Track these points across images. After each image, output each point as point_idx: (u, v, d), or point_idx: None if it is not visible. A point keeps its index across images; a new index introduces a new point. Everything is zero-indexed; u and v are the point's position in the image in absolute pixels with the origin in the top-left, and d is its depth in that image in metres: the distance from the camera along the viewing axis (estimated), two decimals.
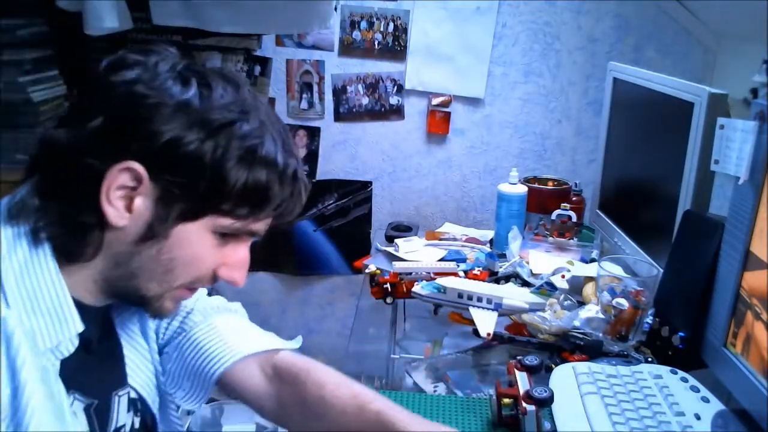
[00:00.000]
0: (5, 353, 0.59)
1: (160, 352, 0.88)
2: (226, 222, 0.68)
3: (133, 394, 0.79)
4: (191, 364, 0.85)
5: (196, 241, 0.68)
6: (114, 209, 0.65)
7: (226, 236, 0.70)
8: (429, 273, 1.36)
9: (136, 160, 0.64)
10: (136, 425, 0.79)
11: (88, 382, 0.71)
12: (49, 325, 0.65)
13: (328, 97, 2.07)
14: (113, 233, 0.66)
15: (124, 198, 0.65)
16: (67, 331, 0.66)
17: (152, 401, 0.83)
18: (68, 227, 0.66)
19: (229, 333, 0.87)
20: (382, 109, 2.08)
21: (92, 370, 0.72)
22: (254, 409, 0.87)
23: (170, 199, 0.66)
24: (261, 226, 0.72)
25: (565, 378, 0.99)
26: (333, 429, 0.78)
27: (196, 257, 0.69)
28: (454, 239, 1.67)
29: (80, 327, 0.67)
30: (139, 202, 0.65)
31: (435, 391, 1.08)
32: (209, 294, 0.95)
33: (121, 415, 0.77)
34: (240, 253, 0.73)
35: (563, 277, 1.32)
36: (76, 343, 0.68)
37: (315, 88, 2.06)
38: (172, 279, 0.69)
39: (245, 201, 0.67)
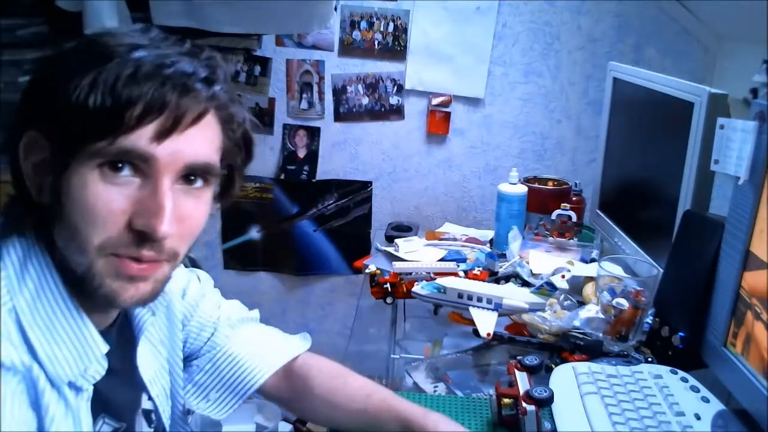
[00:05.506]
0: (31, 403, 0.60)
1: (186, 363, 0.90)
2: (94, 148, 0.59)
3: (148, 406, 0.79)
4: (226, 377, 0.90)
5: (82, 183, 0.59)
6: (32, 185, 0.63)
7: (116, 168, 0.60)
8: (429, 273, 1.36)
9: (31, 127, 0.62)
10: None
11: (115, 404, 0.70)
12: (72, 351, 0.63)
13: (328, 97, 2.07)
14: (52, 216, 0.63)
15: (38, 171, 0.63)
16: (92, 354, 0.65)
17: (163, 410, 0.82)
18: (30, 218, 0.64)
19: (260, 345, 0.94)
20: (382, 109, 2.08)
21: (117, 391, 0.71)
22: (269, 400, 0.96)
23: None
24: (143, 142, 0.59)
25: (565, 378, 0.99)
26: (342, 414, 0.89)
27: (90, 203, 0.59)
28: (454, 239, 1.67)
29: (104, 347, 0.66)
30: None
31: (435, 391, 1.08)
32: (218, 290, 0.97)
33: None
34: (155, 196, 0.61)
35: (563, 277, 1.32)
36: (106, 364, 0.66)
37: (315, 88, 2.06)
38: (84, 241, 0.60)
39: (95, 114, 0.58)
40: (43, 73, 0.63)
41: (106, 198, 0.60)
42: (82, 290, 0.64)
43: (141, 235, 0.61)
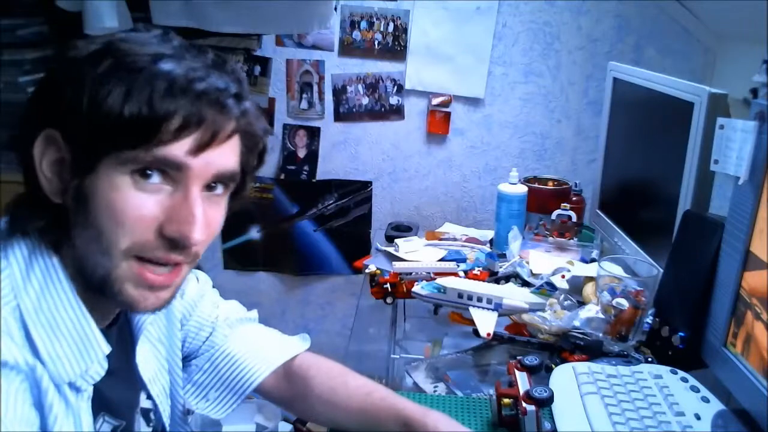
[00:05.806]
0: (34, 402, 0.60)
1: (185, 362, 0.90)
2: (128, 155, 0.59)
3: (147, 405, 0.79)
4: (225, 376, 0.91)
5: (112, 187, 0.60)
6: (48, 184, 0.63)
7: (147, 175, 0.61)
8: (429, 273, 1.36)
9: (49, 125, 0.62)
10: None
11: (114, 402, 0.71)
12: (75, 352, 0.64)
13: (328, 97, 2.07)
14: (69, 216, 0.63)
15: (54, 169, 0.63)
16: (94, 354, 0.65)
17: (163, 410, 0.83)
18: (41, 216, 0.64)
19: (258, 344, 0.94)
20: (382, 109, 2.08)
21: (116, 390, 0.72)
22: (268, 400, 0.95)
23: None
24: (178, 152, 0.60)
25: (565, 378, 0.99)
26: (342, 413, 0.88)
27: (119, 208, 0.60)
28: (454, 239, 1.67)
29: (107, 348, 0.66)
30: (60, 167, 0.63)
31: (435, 391, 1.08)
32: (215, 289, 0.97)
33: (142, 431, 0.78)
34: (187, 204, 0.62)
35: (563, 277, 1.32)
36: (106, 365, 0.67)
37: (315, 88, 2.06)
38: (110, 244, 0.61)
39: (130, 123, 0.58)
40: (63, 73, 0.62)
41: (137, 204, 0.61)
42: (99, 292, 0.64)
43: (172, 242, 0.62)
